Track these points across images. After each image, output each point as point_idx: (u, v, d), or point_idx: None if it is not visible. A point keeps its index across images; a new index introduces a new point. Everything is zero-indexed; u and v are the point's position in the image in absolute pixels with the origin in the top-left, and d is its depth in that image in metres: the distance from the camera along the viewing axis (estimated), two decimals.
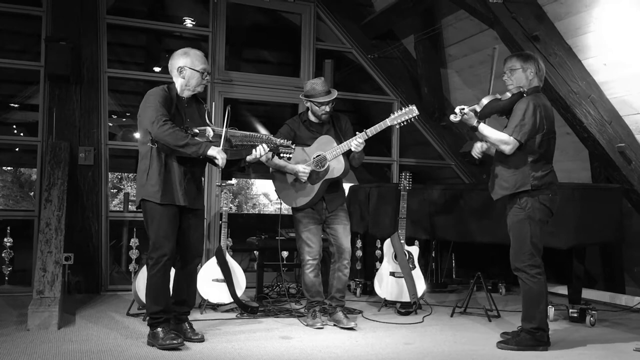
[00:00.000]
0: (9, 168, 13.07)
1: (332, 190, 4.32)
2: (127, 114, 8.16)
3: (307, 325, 4.24)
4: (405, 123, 4.12)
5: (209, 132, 3.60)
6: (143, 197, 3.59)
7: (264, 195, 16.11)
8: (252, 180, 15.51)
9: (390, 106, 6.71)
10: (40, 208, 4.93)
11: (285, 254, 5.26)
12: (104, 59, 5.63)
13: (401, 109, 4.13)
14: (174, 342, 3.49)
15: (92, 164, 5.46)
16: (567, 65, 4.74)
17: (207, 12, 6.09)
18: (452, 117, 3.71)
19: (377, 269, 5.20)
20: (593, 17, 4.45)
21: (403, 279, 4.81)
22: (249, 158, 3.68)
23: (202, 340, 3.72)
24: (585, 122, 4.78)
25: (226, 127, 3.59)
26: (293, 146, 3.78)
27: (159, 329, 3.56)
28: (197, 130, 3.56)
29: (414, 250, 4.92)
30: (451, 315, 4.70)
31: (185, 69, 3.66)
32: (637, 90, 4.56)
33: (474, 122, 3.68)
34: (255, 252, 5.53)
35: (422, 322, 4.49)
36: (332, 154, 4.19)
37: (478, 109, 3.72)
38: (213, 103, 5.90)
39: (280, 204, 4.44)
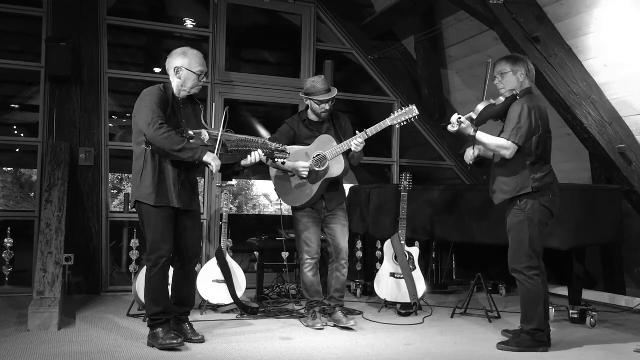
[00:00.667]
0: (9, 169, 13.09)
1: (332, 190, 4.32)
2: (128, 115, 8.15)
3: (307, 326, 4.23)
4: (405, 123, 4.12)
5: (205, 135, 3.55)
6: (137, 199, 3.56)
7: (264, 196, 16.13)
8: (253, 181, 15.53)
9: (390, 107, 6.70)
10: (40, 209, 4.93)
11: (285, 254, 5.26)
12: (105, 60, 5.63)
13: (401, 109, 4.13)
14: (174, 342, 3.49)
15: (92, 164, 5.46)
16: (567, 66, 4.74)
17: (207, 13, 6.09)
18: (449, 128, 3.71)
19: (377, 270, 5.20)
20: (593, 18, 4.45)
21: (403, 280, 4.81)
22: (244, 163, 3.64)
23: (202, 341, 3.71)
24: (586, 123, 4.78)
25: (223, 131, 3.56)
26: (288, 151, 3.75)
27: (159, 330, 3.55)
28: (192, 134, 3.51)
29: (415, 251, 4.92)
30: (451, 317, 4.70)
31: (182, 69, 3.59)
32: (637, 91, 4.56)
33: (471, 131, 3.68)
34: (255, 253, 5.52)
35: (423, 323, 4.49)
36: (332, 153, 4.18)
37: (474, 117, 3.72)
38: (213, 104, 5.90)
39: (281, 204, 4.44)
